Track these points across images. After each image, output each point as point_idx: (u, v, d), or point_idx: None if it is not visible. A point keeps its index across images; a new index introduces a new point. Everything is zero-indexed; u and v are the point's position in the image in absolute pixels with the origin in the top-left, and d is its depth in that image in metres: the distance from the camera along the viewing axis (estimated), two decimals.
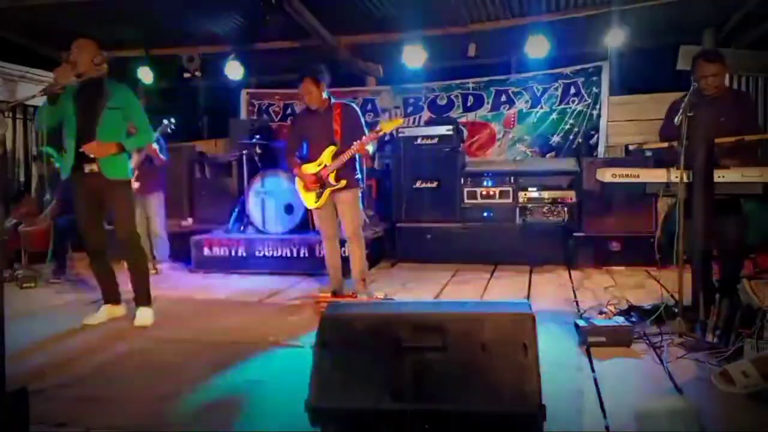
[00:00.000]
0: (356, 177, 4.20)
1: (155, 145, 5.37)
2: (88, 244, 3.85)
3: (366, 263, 4.29)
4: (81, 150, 3.61)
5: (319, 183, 4.12)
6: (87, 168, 3.66)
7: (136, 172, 5.28)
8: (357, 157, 4.14)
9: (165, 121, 5.50)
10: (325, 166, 4.09)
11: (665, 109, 3.73)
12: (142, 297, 3.83)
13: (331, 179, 4.08)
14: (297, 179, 4.26)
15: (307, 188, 4.18)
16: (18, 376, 2.38)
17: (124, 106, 3.71)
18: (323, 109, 4.15)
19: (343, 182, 4.08)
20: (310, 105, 4.15)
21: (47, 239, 5.42)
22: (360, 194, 4.28)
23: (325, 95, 4.13)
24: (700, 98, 3.33)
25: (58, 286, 5.18)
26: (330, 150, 4.09)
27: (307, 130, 4.24)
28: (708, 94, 3.41)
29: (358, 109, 4.30)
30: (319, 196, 4.14)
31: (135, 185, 5.29)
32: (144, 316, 3.76)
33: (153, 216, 5.68)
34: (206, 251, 5.74)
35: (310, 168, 4.15)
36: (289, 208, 5.81)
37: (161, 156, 5.46)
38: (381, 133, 4.13)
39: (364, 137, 4.04)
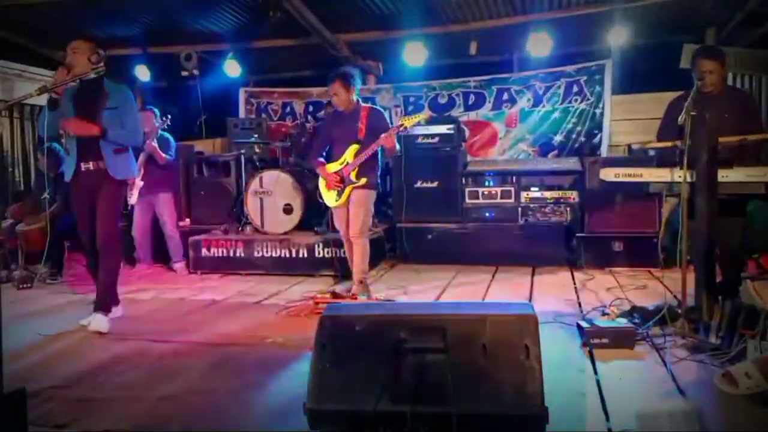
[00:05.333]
0: (376, 178, 4.31)
1: (154, 143, 5.34)
2: (84, 243, 3.80)
3: (366, 265, 4.32)
4: (62, 129, 3.54)
5: (342, 181, 4.23)
6: (83, 167, 3.63)
7: (141, 172, 5.28)
8: (379, 159, 4.28)
9: (162, 118, 5.47)
10: (348, 163, 4.21)
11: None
12: (102, 302, 3.63)
13: (353, 176, 4.18)
14: (320, 179, 4.37)
15: (328, 187, 4.30)
16: (16, 377, 2.35)
17: (120, 105, 3.64)
18: (350, 110, 4.26)
19: (364, 180, 4.19)
20: (338, 106, 4.28)
21: (45, 239, 5.38)
22: (374, 196, 4.35)
23: (354, 98, 4.24)
24: (703, 97, 3.30)
25: (55, 286, 5.16)
26: (353, 148, 4.20)
27: (335, 131, 4.36)
28: (706, 91, 3.38)
29: (384, 112, 4.43)
30: (339, 194, 4.26)
31: (139, 184, 5.31)
32: (99, 323, 3.54)
33: (165, 217, 5.65)
34: (204, 252, 5.71)
35: (332, 167, 4.28)
36: (288, 209, 5.77)
37: (163, 155, 5.41)
38: (403, 128, 4.20)
39: (385, 133, 4.12)
